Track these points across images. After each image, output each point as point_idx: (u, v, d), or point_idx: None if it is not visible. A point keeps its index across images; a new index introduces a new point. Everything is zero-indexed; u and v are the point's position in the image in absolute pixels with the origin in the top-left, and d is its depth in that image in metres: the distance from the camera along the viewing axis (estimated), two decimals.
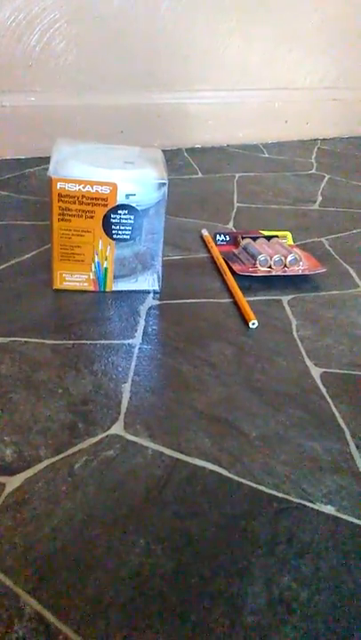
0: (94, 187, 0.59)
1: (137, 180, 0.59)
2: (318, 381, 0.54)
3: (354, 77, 1.43)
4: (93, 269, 0.64)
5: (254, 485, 0.42)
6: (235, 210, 0.94)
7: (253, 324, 0.62)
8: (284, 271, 0.72)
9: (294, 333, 0.61)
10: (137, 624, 0.33)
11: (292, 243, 0.82)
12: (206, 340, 0.59)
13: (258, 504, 0.41)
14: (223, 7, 1.18)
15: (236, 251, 0.77)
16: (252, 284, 0.70)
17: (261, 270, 0.72)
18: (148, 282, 0.66)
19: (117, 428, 0.46)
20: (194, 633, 0.32)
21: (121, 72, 1.14)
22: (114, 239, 0.62)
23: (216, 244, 0.79)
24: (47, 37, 1.04)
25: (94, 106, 1.14)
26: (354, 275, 0.75)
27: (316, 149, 1.34)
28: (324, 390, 0.53)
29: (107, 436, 0.46)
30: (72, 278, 0.64)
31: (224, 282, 0.71)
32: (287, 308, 0.66)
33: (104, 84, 1.13)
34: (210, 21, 1.18)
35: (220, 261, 0.74)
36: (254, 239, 0.78)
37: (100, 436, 0.45)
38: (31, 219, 0.84)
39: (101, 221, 0.61)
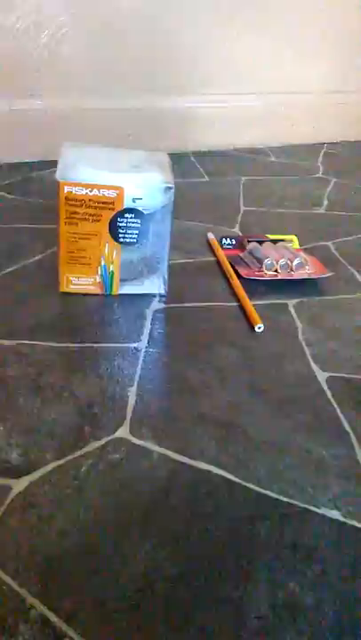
0: (101, 190, 0.59)
1: (143, 184, 0.60)
2: (324, 386, 0.54)
3: (360, 81, 1.43)
4: (100, 273, 0.64)
5: (260, 490, 0.42)
6: (241, 213, 0.94)
7: (259, 327, 0.62)
8: (290, 275, 0.72)
9: (300, 337, 0.61)
10: (142, 627, 0.33)
11: (298, 247, 0.82)
12: (212, 344, 0.59)
13: (263, 508, 0.41)
14: (230, 11, 1.18)
15: (242, 254, 0.77)
16: (258, 287, 0.70)
17: (267, 274, 0.72)
18: (154, 285, 0.66)
19: (123, 432, 0.47)
20: (199, 636, 0.33)
21: (128, 76, 1.14)
22: (120, 243, 0.62)
23: (222, 248, 0.80)
24: (55, 42, 1.05)
25: (101, 109, 1.14)
26: (360, 279, 0.74)
27: (322, 153, 1.34)
28: (329, 394, 0.53)
29: (112, 440, 0.46)
30: (78, 281, 0.65)
31: (230, 286, 0.71)
32: (293, 312, 0.66)
33: (111, 87, 1.14)
34: (216, 25, 1.18)
35: (226, 265, 0.74)
36: (260, 243, 0.78)
37: (105, 440, 0.46)
38: (38, 222, 0.85)
39: (108, 225, 0.61)
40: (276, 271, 0.72)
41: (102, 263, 0.63)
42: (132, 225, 0.61)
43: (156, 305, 0.65)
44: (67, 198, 0.59)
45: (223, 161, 1.22)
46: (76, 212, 0.60)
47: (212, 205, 0.97)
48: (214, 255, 0.79)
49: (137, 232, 0.62)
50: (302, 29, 1.29)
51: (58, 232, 0.62)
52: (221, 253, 0.77)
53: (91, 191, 0.59)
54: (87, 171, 0.59)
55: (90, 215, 0.60)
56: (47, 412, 0.48)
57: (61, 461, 0.43)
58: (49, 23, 1.03)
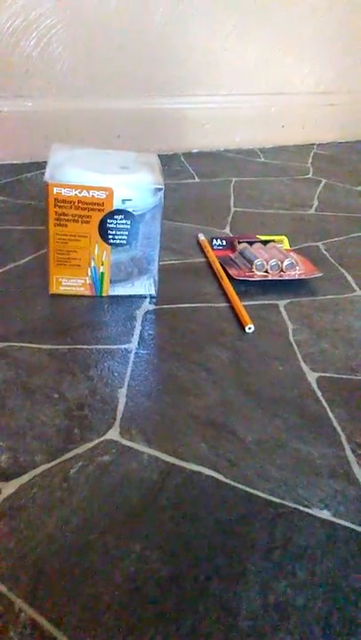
0: (90, 192, 0.59)
1: (133, 185, 0.60)
2: (314, 386, 0.54)
3: (350, 82, 1.43)
4: (90, 274, 0.64)
5: (250, 490, 0.42)
6: (231, 214, 0.94)
7: (250, 328, 0.62)
8: (281, 276, 0.72)
9: (290, 338, 0.61)
10: (132, 630, 0.33)
11: (289, 247, 0.82)
12: (202, 345, 0.59)
13: (254, 509, 0.41)
14: (219, 12, 1.19)
15: (232, 255, 0.77)
16: (248, 288, 0.70)
17: (258, 275, 0.72)
18: (144, 286, 0.66)
19: (113, 434, 0.46)
20: (190, 638, 0.32)
21: (117, 77, 1.14)
22: (110, 244, 0.62)
23: (213, 249, 0.80)
24: (44, 43, 1.05)
25: (91, 111, 1.14)
26: (350, 279, 0.75)
27: (312, 154, 1.35)
28: (320, 394, 0.53)
29: (102, 442, 0.46)
30: (68, 283, 0.64)
31: (220, 286, 0.71)
32: (283, 313, 0.66)
33: (100, 89, 1.14)
34: (206, 26, 1.19)
35: (217, 266, 0.74)
36: (251, 244, 0.78)
37: (95, 442, 0.45)
38: (27, 223, 0.84)
39: (98, 226, 0.61)
40: (266, 272, 0.72)
41: (92, 264, 0.63)
42: (122, 226, 0.61)
43: (147, 306, 0.65)
44: (56, 200, 0.59)
45: (213, 162, 1.22)
46: (65, 214, 0.60)
47: (202, 206, 0.97)
48: (205, 256, 0.79)
49: (127, 233, 0.62)
50: (293, 31, 1.29)
51: (47, 233, 0.61)
52: (212, 254, 0.77)
53: (80, 192, 0.59)
54: (76, 172, 0.59)
55: (79, 216, 0.60)
56: (37, 414, 0.48)
57: (51, 464, 0.43)
58: (38, 24, 1.03)
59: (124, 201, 0.60)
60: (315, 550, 0.38)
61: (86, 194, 0.59)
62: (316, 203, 1.02)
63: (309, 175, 1.18)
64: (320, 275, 0.73)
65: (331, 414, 0.50)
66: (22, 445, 0.45)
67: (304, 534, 0.39)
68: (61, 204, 0.59)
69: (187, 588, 0.35)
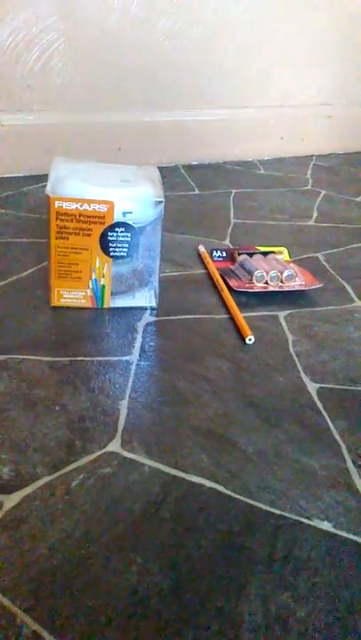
0: (91, 205, 0.59)
1: (134, 198, 0.60)
2: (315, 397, 0.54)
3: (348, 94, 1.45)
4: (91, 286, 0.64)
5: (251, 502, 0.42)
6: (231, 226, 0.95)
7: (250, 339, 0.62)
8: (281, 287, 0.72)
9: (291, 349, 0.61)
10: None
11: (289, 258, 0.83)
12: (203, 356, 0.59)
13: (255, 521, 0.41)
14: (218, 25, 1.20)
15: (232, 267, 0.78)
16: (248, 299, 0.71)
17: (258, 286, 0.72)
18: (145, 298, 0.66)
19: (114, 446, 0.47)
20: None
21: (118, 90, 1.16)
22: (111, 256, 0.63)
23: (213, 260, 0.80)
24: (45, 57, 1.06)
25: (92, 124, 1.15)
26: (350, 290, 0.75)
27: (311, 165, 1.35)
28: (320, 405, 0.53)
29: (104, 454, 0.46)
30: (70, 295, 0.65)
31: (221, 298, 0.71)
32: (283, 324, 0.66)
33: (101, 102, 1.15)
34: (206, 39, 1.20)
35: (217, 277, 0.74)
36: (251, 255, 0.79)
37: (97, 454, 0.46)
38: (29, 236, 0.85)
39: (99, 239, 0.61)
40: (266, 283, 0.73)
41: (93, 277, 0.64)
42: (123, 239, 0.62)
43: (148, 318, 0.66)
44: (57, 213, 0.60)
45: (213, 174, 1.23)
46: (66, 227, 0.60)
47: (202, 218, 0.97)
48: (205, 267, 0.79)
49: (127, 246, 0.62)
50: (292, 43, 1.30)
51: (49, 246, 0.62)
52: (212, 266, 0.77)
53: (81, 206, 0.59)
54: (77, 185, 0.60)
55: (80, 229, 0.61)
56: (38, 426, 0.48)
57: (53, 476, 0.43)
58: (39, 39, 1.04)
59: (124, 214, 0.60)
60: (316, 562, 0.38)
61: (87, 207, 0.59)
62: (315, 214, 1.03)
63: (309, 186, 1.19)
64: (320, 286, 0.73)
65: (331, 425, 0.51)
66: (24, 458, 0.45)
67: (305, 546, 0.39)
68: (63, 217, 0.60)
69: (188, 600, 0.35)
